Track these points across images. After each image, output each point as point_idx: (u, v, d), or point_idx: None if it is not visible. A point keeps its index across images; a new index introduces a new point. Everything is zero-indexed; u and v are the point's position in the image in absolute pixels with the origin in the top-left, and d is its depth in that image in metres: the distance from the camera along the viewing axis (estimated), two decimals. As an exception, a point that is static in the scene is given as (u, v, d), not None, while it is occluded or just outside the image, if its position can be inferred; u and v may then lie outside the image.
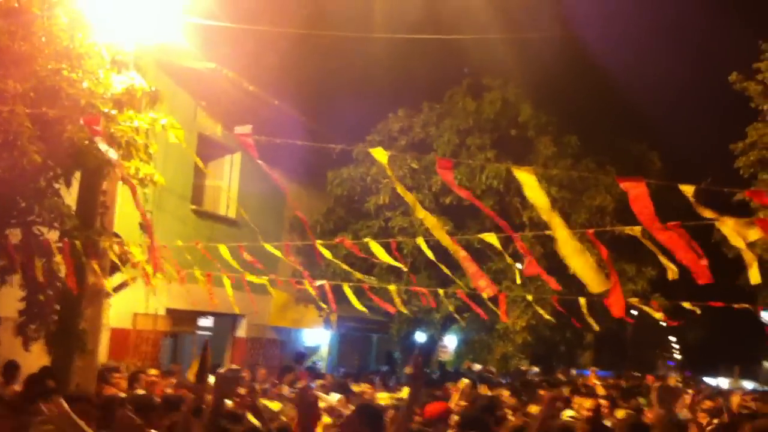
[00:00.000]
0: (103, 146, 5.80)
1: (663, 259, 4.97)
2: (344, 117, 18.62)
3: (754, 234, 5.13)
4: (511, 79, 20.48)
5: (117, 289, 11.10)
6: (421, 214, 5.20)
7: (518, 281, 8.69)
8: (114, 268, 10.42)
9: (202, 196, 18.22)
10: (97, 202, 9.91)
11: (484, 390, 12.87)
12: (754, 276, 5.32)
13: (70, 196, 9.63)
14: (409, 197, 5.21)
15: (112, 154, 6.19)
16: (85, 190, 9.87)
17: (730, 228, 5.17)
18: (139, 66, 9.46)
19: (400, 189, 5.24)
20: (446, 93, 20.65)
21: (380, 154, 5.05)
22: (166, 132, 8.47)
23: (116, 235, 10.26)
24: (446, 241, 5.23)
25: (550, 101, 20.85)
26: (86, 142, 8.12)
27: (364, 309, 10.38)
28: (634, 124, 25.12)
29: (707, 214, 4.75)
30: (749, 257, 5.30)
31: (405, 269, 9.01)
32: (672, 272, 6.09)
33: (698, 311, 9.46)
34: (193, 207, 17.03)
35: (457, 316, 11.67)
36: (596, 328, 7.18)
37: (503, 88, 20.21)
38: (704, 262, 4.86)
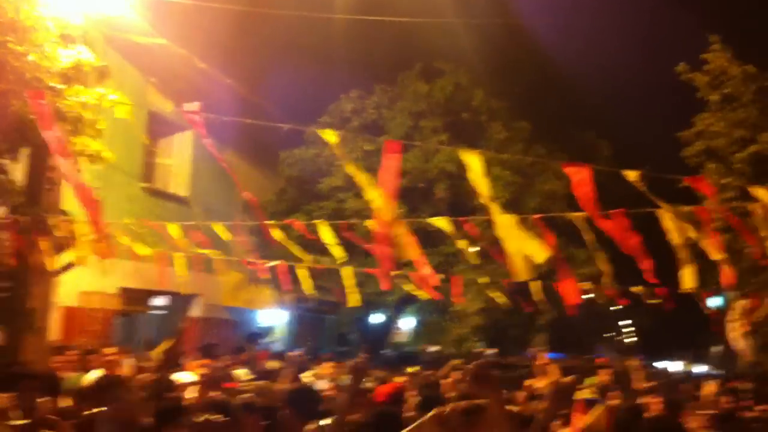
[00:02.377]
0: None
1: (597, 254, 5.03)
2: (297, 97, 18.52)
3: (691, 231, 5.24)
4: (464, 63, 20.56)
5: (66, 267, 10.92)
6: (372, 195, 5.17)
7: (474, 261, 8.76)
8: (61, 246, 10.25)
9: (152, 174, 17.98)
10: (44, 178, 9.73)
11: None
12: (687, 279, 5.42)
13: (17, 173, 9.44)
14: (361, 177, 5.18)
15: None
16: (32, 166, 9.69)
17: (670, 220, 5.27)
18: (88, 40, 9.27)
19: (350, 169, 5.22)
20: (399, 76, 20.65)
21: (330, 136, 5.03)
22: (114, 108, 8.33)
23: (64, 213, 10.09)
24: (389, 214, 5.19)
25: (502, 87, 20.98)
26: (32, 116, 7.96)
27: (313, 292, 10.38)
28: (584, 112, 25.43)
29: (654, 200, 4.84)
30: (684, 256, 5.39)
31: (338, 259, 8.96)
32: (602, 263, 6.20)
33: (652, 300, 9.60)
34: (143, 185, 16.80)
35: (417, 292, 11.70)
36: (571, 302, 7.22)
37: (455, 72, 20.27)
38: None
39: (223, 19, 14.72)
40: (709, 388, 10.57)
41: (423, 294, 12.79)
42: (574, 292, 6.39)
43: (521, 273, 5.05)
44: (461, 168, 16.85)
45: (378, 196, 5.10)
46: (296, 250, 9.78)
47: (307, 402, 5.87)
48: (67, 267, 10.91)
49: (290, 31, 17.91)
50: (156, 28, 13.76)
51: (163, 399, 6.09)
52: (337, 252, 8.42)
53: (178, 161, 18.53)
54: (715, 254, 5.85)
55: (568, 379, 3.58)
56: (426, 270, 6.99)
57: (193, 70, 15.94)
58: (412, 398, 7.95)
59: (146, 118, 15.97)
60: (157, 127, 16.65)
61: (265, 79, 18.98)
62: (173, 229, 8.83)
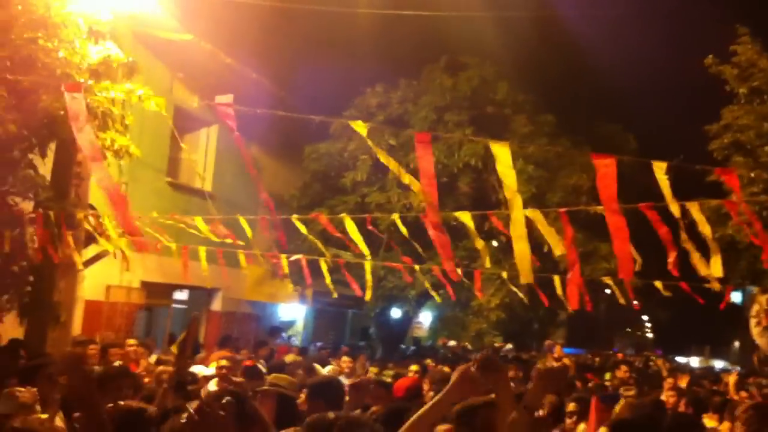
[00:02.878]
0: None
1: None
2: (322, 91, 18.55)
3: (720, 229, 5.24)
4: (489, 57, 20.51)
5: (91, 261, 11.04)
6: (407, 179, 5.16)
7: (487, 264, 8.70)
8: (89, 240, 10.37)
9: (177, 169, 18.10)
10: (71, 173, 9.84)
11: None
12: (716, 268, 5.43)
13: (45, 167, 9.55)
14: (393, 164, 5.18)
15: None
16: (59, 161, 9.80)
17: (698, 212, 5.27)
18: (116, 36, 9.36)
19: (382, 157, 5.22)
20: (423, 70, 20.64)
21: (360, 127, 5.03)
22: (141, 103, 8.39)
23: (91, 207, 10.20)
24: (433, 210, 5.12)
25: (527, 80, 20.93)
26: (62, 112, 8.04)
27: (332, 289, 10.43)
28: (610, 105, 25.35)
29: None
30: (713, 247, 5.39)
31: (366, 253, 8.98)
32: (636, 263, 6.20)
33: (666, 293, 9.57)
34: (169, 180, 16.93)
35: (433, 292, 11.70)
36: (569, 308, 7.24)
37: (480, 65, 20.23)
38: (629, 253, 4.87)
39: (249, 15, 14.77)
40: (732, 378, 10.52)
41: (436, 296, 12.86)
42: (576, 298, 6.39)
43: (526, 275, 5.02)
44: (485, 162, 16.92)
45: (416, 182, 5.06)
46: (320, 244, 9.81)
47: (332, 393, 5.90)
48: (93, 261, 11.04)
49: (316, 25, 17.94)
50: (183, 24, 13.86)
51: (183, 391, 6.14)
52: (363, 247, 8.44)
53: (203, 156, 18.65)
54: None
55: (558, 364, 3.66)
56: (449, 265, 6.99)
57: (219, 65, 16.02)
58: (429, 393, 8.01)
59: (172, 113, 16.07)
60: (183, 122, 16.76)
61: (290, 73, 19.04)
62: (200, 223, 8.89)
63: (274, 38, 17.49)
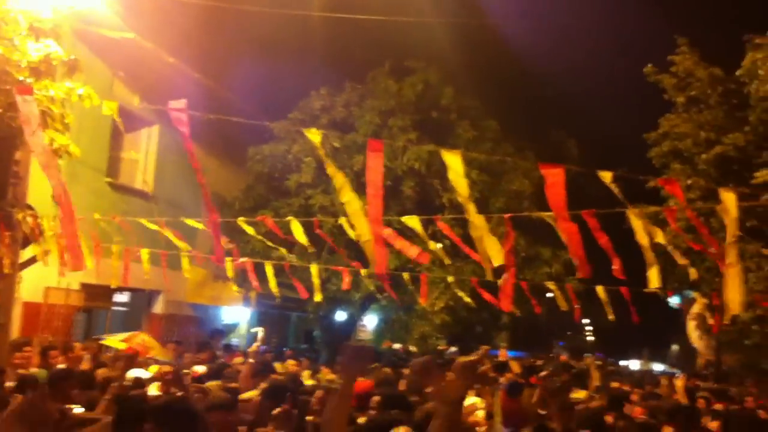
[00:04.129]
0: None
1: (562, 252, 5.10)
2: (265, 93, 18.46)
3: (660, 235, 5.36)
4: (434, 62, 20.62)
5: (28, 262, 10.80)
6: (347, 197, 5.18)
7: (447, 261, 8.79)
8: (26, 241, 10.15)
9: (117, 169, 17.81)
10: (9, 172, 9.62)
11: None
12: (653, 279, 5.56)
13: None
14: (339, 178, 5.19)
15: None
16: (-3, 160, 9.58)
17: (638, 221, 5.39)
18: (57, 34, 9.17)
19: (330, 170, 5.24)
20: (368, 74, 20.68)
21: (314, 135, 5.04)
22: (81, 102, 8.25)
23: (29, 207, 9.98)
24: (363, 228, 5.20)
25: (471, 86, 21.08)
26: (0, 110, 7.87)
27: (276, 292, 10.40)
28: (552, 111, 25.64)
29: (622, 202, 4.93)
30: (650, 259, 5.53)
31: (311, 250, 9.00)
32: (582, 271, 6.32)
33: (603, 298, 9.74)
34: (109, 180, 16.65)
35: (378, 295, 11.74)
36: (515, 312, 7.32)
37: (425, 70, 20.34)
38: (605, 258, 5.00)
39: (192, 14, 14.62)
40: (679, 382, 10.68)
41: (380, 298, 12.90)
42: (509, 300, 6.50)
43: (490, 273, 5.14)
44: (429, 166, 17.00)
45: (354, 198, 5.11)
46: (270, 243, 9.77)
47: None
48: (31, 262, 10.80)
49: (260, 27, 17.82)
50: (124, 22, 13.65)
51: (127, 397, 6.07)
52: (310, 248, 8.44)
53: (144, 156, 18.39)
54: (679, 258, 6.00)
55: (472, 356, 3.74)
56: (413, 251, 7.03)
57: (160, 65, 15.83)
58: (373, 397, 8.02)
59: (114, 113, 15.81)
60: (124, 122, 16.42)
61: (233, 74, 18.90)
62: (146, 225, 8.77)
63: (217, 38, 17.35)
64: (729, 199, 4.66)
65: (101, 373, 8.41)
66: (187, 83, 16.22)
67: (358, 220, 5.17)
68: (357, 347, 3.65)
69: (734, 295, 4.65)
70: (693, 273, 5.98)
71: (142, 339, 12.88)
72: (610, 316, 9.40)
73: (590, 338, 70.02)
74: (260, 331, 11.77)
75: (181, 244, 9.17)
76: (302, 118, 18.67)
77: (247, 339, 22.68)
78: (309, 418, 6.27)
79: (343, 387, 3.56)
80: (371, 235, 4.80)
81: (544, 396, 6.76)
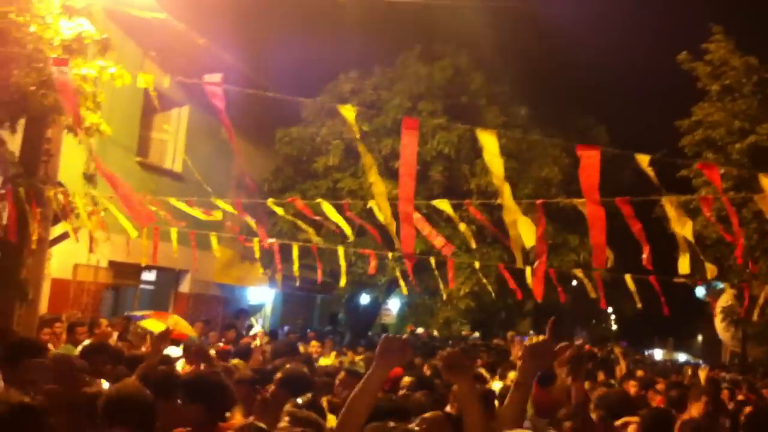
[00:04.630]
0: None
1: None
2: (294, 76, 18.44)
3: (688, 230, 5.30)
4: (464, 46, 20.51)
5: (59, 239, 10.91)
6: (373, 178, 5.14)
7: (473, 245, 8.75)
8: (56, 218, 10.24)
9: (147, 149, 17.93)
10: (41, 149, 9.70)
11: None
12: (684, 266, 5.53)
13: (14, 143, 9.41)
14: (369, 159, 5.15)
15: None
16: (29, 137, 9.65)
17: (672, 209, 5.33)
18: (89, 12, 9.22)
19: (361, 149, 5.20)
20: (398, 57, 20.60)
21: (348, 111, 5.00)
22: (112, 82, 8.29)
23: (60, 185, 10.07)
24: (387, 211, 5.18)
25: (501, 71, 20.95)
26: (32, 87, 7.93)
27: (297, 274, 10.42)
28: (583, 98, 25.40)
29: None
30: (683, 246, 5.48)
31: (350, 236, 9.01)
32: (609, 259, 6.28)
33: (632, 287, 9.67)
34: (139, 159, 16.77)
35: (401, 281, 11.73)
36: (539, 299, 7.28)
37: (455, 55, 20.24)
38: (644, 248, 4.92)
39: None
40: (703, 373, 10.60)
41: (403, 286, 12.85)
42: (541, 289, 6.45)
43: (520, 260, 5.11)
44: (458, 151, 16.92)
45: (380, 180, 5.08)
46: (301, 223, 9.77)
47: (299, 383, 5.92)
48: (61, 239, 10.91)
49: (290, 9, 17.82)
50: (157, 2, 13.68)
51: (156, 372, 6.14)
52: (345, 227, 8.43)
53: (174, 136, 18.49)
54: (700, 252, 5.94)
55: (540, 338, 3.68)
56: (438, 241, 7.02)
57: (191, 46, 15.86)
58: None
59: (143, 92, 15.92)
60: (153, 102, 16.55)
61: (263, 56, 18.91)
62: (175, 204, 8.82)
63: (247, 20, 17.34)
64: (768, 185, 4.59)
65: (128, 349, 8.53)
66: (217, 64, 16.20)
67: (383, 202, 5.14)
68: (399, 339, 3.58)
69: None
70: (712, 270, 5.91)
71: (175, 321, 13.02)
72: (638, 305, 9.32)
73: (614, 327, 69.73)
74: (255, 323, 11.79)
75: (207, 217, 9.15)
76: (330, 101, 18.65)
77: (271, 320, 22.85)
78: (328, 397, 6.29)
79: (373, 375, 3.50)
80: (400, 214, 4.77)
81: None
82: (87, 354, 6.51)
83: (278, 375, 6.06)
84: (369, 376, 3.50)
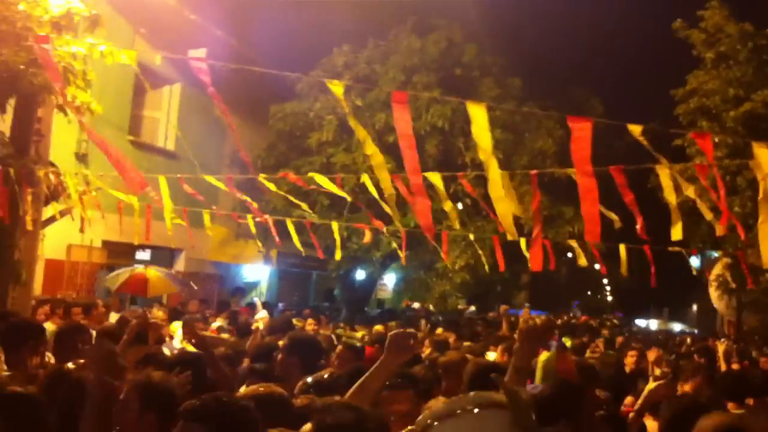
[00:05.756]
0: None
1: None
2: (287, 51, 18.32)
3: (690, 191, 5.27)
4: (457, 19, 20.38)
5: (51, 219, 10.85)
6: (370, 150, 5.08)
7: (456, 226, 8.71)
8: (48, 199, 10.18)
9: (139, 127, 17.83)
10: (32, 129, 9.62)
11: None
12: (677, 232, 5.53)
13: (4, 123, 9.33)
14: (361, 131, 5.09)
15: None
16: (19, 117, 9.56)
17: (666, 177, 5.30)
18: (78, -12, 9.10)
19: (352, 122, 5.13)
20: (391, 31, 20.46)
21: (336, 86, 4.94)
22: (103, 59, 8.19)
23: (52, 164, 10.00)
24: (386, 182, 5.14)
25: (495, 43, 20.84)
26: (22, 66, 7.85)
27: (300, 248, 10.38)
28: (577, 69, 25.35)
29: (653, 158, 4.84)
30: (675, 215, 5.47)
31: (348, 199, 8.99)
32: (615, 222, 6.26)
33: (623, 257, 9.67)
34: (131, 138, 16.67)
35: (400, 252, 11.70)
36: (531, 268, 7.25)
37: (448, 27, 20.11)
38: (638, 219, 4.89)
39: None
40: (721, 347, 10.56)
41: (402, 256, 12.81)
42: (539, 258, 6.41)
43: (511, 232, 5.06)
44: (452, 124, 16.84)
45: (377, 151, 5.03)
46: (293, 198, 9.72)
47: (310, 351, 5.91)
48: (54, 219, 10.85)
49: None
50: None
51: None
52: (339, 191, 8.38)
53: (166, 114, 18.38)
54: (706, 212, 5.92)
55: (540, 320, 3.65)
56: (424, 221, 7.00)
57: (182, 22, 15.74)
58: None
59: (134, 71, 15.80)
60: (146, 80, 16.44)
61: (255, 32, 18.76)
62: (163, 182, 8.74)
63: (239, -5, 17.21)
64: (763, 154, 4.54)
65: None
66: (209, 40, 16.09)
67: (382, 173, 5.08)
68: (407, 335, 3.63)
69: (766, 250, 4.57)
70: (720, 229, 5.90)
71: (141, 272, 12.91)
72: (624, 273, 9.34)
73: (609, 298, 70.09)
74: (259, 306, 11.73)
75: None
76: (324, 75, 18.51)
77: (267, 297, 22.85)
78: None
79: (381, 368, 3.58)
80: (411, 187, 4.73)
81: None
82: (62, 335, 6.39)
83: (284, 341, 6.00)
84: (377, 369, 3.58)
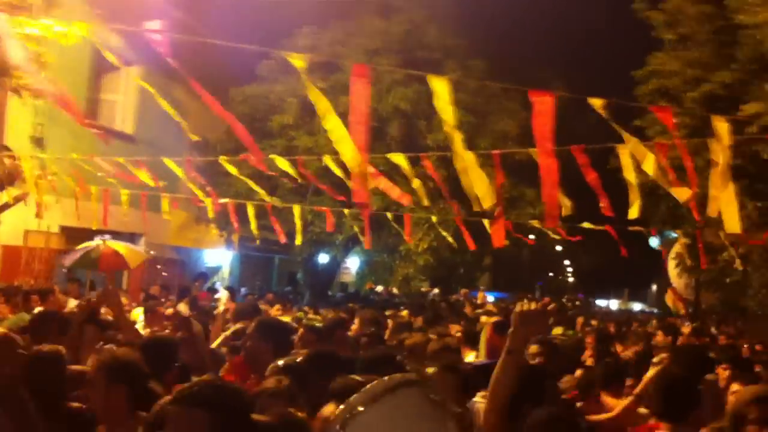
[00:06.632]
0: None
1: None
2: (248, 33, 18.09)
3: (649, 165, 5.28)
4: (419, 0, 20.34)
5: (6, 206, 10.66)
6: (331, 123, 4.94)
7: (425, 202, 8.71)
8: (3, 184, 9.99)
9: (97, 111, 17.54)
10: (-15, 113, 9.42)
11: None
12: (634, 211, 5.57)
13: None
14: (323, 103, 4.96)
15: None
16: (-29, 101, 9.36)
17: (627, 156, 5.32)
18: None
19: (313, 95, 4.99)
20: (354, 11, 20.34)
21: (297, 61, 4.84)
22: (58, 42, 8.03)
23: (7, 149, 9.81)
24: (350, 154, 5.00)
25: (457, 25, 20.81)
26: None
27: (257, 232, 10.30)
28: (540, 50, 25.41)
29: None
30: (634, 194, 5.50)
31: (303, 183, 8.94)
32: (566, 208, 6.27)
33: (588, 226, 9.74)
34: (88, 121, 16.39)
35: (361, 237, 11.68)
36: (494, 245, 7.24)
37: (410, 9, 20.05)
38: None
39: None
40: (686, 329, 10.71)
41: (365, 240, 12.78)
42: (501, 235, 6.42)
43: (488, 198, 5.03)
44: (415, 106, 16.78)
45: (339, 124, 4.88)
46: (252, 184, 9.63)
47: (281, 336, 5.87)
48: (8, 205, 10.66)
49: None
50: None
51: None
52: (298, 177, 8.31)
53: (123, 97, 18.10)
54: (665, 183, 5.93)
55: (533, 306, 3.65)
56: (396, 192, 6.96)
57: (140, 3, 15.47)
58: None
59: (91, 53, 15.54)
60: (102, 62, 16.18)
61: (215, 13, 18.52)
62: (121, 166, 8.62)
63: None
64: (722, 128, 4.61)
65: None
66: (168, 22, 15.85)
67: (345, 146, 4.91)
68: (535, 312, 3.58)
69: (731, 215, 4.62)
70: (685, 192, 5.91)
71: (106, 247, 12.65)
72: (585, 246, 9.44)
73: (571, 279, 70.86)
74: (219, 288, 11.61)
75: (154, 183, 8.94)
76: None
77: (230, 282, 22.71)
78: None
79: (513, 355, 3.55)
80: (356, 163, 4.65)
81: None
82: (35, 323, 6.30)
83: (253, 326, 5.95)
84: (507, 356, 3.50)
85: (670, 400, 4.12)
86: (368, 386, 1.95)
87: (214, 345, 6.89)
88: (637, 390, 5.49)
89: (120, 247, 12.92)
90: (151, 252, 16.58)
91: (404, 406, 1.94)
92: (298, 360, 4.94)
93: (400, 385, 1.97)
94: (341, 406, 1.90)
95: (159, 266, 15.56)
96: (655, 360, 6.13)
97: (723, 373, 6.39)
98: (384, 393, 1.93)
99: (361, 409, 1.88)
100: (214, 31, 17.86)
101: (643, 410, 5.27)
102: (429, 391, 2.01)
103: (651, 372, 5.62)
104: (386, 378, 1.99)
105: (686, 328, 11.17)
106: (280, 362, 4.85)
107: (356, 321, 9.29)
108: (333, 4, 20.41)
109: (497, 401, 3.50)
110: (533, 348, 5.95)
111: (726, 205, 4.59)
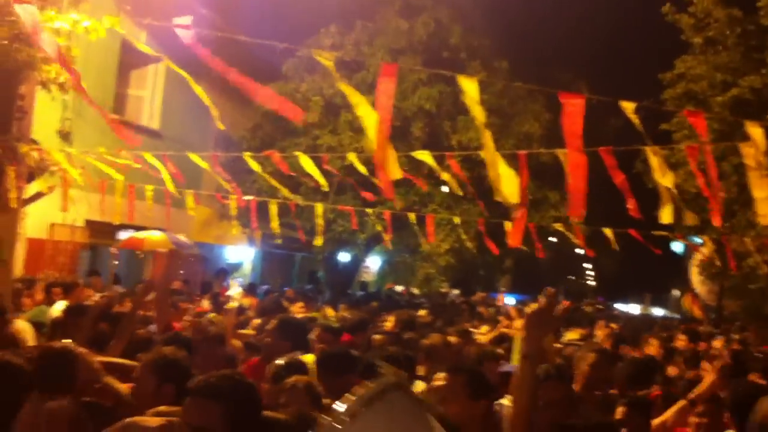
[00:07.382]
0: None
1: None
2: (274, 32, 18.13)
3: (669, 178, 5.25)
4: (443, 0, 20.29)
5: (34, 198, 10.74)
6: (363, 110, 4.93)
7: (460, 192, 8.71)
8: (31, 176, 10.07)
9: (124, 106, 17.66)
10: (14, 106, 9.50)
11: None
12: (666, 215, 5.50)
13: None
14: (354, 95, 4.94)
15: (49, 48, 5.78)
16: (1, 94, 9.44)
17: (656, 158, 5.28)
18: (62, -36, 8.98)
19: (345, 88, 5.01)
20: (378, 12, 20.32)
21: (326, 60, 4.86)
22: (87, 36, 8.08)
23: (34, 142, 9.89)
24: (378, 139, 4.99)
25: (482, 25, 20.75)
26: (5, 41, 7.73)
27: (278, 230, 10.32)
28: (564, 52, 25.28)
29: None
30: (666, 197, 5.44)
31: (324, 186, 8.93)
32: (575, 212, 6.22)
33: (614, 244, 9.68)
34: (115, 116, 16.50)
35: (385, 236, 11.68)
36: (510, 244, 7.22)
37: (435, 8, 20.01)
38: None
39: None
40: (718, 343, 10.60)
41: (387, 239, 12.77)
42: (520, 234, 6.38)
43: (515, 195, 5.02)
44: (439, 107, 16.76)
45: (370, 113, 4.87)
46: (274, 182, 9.66)
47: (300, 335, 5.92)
48: (36, 197, 10.74)
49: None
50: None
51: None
52: (321, 180, 8.32)
53: (150, 93, 18.21)
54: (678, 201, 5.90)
55: (540, 304, 3.62)
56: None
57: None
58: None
59: (119, 48, 15.65)
60: (130, 58, 16.31)
61: (242, 11, 18.60)
62: (150, 159, 8.67)
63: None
64: (756, 133, 4.56)
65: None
66: (195, 19, 15.92)
67: (375, 132, 4.92)
68: (542, 311, 3.54)
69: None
70: (692, 218, 5.88)
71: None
72: (614, 246, 9.37)
73: (591, 283, 70.42)
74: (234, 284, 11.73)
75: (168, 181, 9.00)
76: (310, 56, 18.39)
77: (251, 279, 22.79)
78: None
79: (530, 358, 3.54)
80: (379, 153, 4.65)
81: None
82: (68, 315, 6.39)
83: (274, 324, 5.99)
84: (526, 358, 3.50)
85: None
86: (356, 395, 1.95)
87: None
88: (694, 395, 5.37)
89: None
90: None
91: (394, 410, 1.97)
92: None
93: (388, 389, 1.99)
94: (329, 417, 1.91)
95: (186, 253, 15.65)
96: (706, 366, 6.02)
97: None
98: (373, 400, 1.94)
99: (351, 418, 1.89)
100: (238, 29, 17.97)
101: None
102: (411, 391, 2.06)
103: (709, 378, 5.46)
104: (371, 384, 1.99)
105: (718, 342, 11.03)
106: (280, 361, 4.89)
107: (390, 319, 9.41)
108: (357, 4, 20.42)
109: (520, 406, 3.49)
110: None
111: (761, 200, 4.56)
